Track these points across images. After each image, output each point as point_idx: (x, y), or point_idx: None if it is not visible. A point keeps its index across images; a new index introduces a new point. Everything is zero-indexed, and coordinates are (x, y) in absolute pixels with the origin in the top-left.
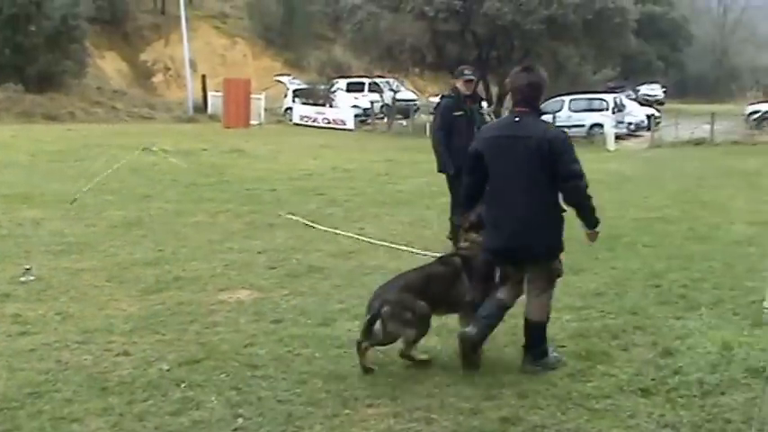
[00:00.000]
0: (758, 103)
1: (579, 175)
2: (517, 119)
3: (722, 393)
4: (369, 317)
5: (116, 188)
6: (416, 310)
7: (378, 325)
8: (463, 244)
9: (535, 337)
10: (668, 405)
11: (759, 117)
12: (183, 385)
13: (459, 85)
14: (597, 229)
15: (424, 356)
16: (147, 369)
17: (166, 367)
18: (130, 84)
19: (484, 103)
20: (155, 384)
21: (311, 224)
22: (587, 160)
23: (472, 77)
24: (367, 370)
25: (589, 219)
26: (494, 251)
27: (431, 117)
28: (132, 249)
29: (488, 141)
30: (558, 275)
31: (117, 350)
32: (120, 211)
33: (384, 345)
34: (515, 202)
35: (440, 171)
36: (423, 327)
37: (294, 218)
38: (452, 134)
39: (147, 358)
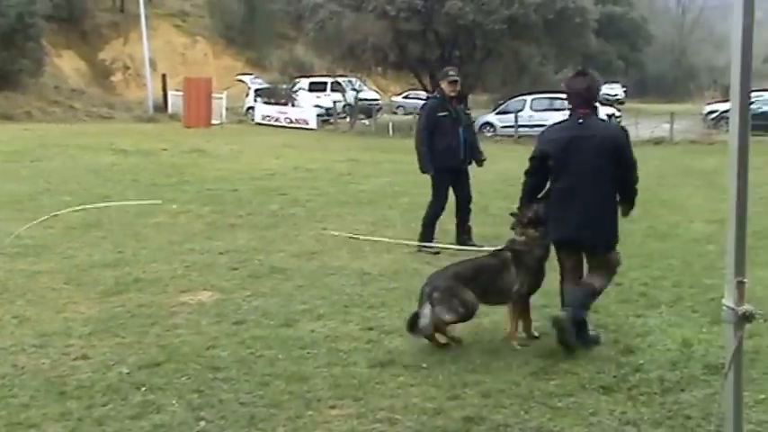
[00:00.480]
0: (716, 102)
1: (636, 164)
2: (581, 120)
3: (682, 390)
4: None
5: (74, 189)
6: (463, 298)
7: (427, 309)
8: (519, 238)
9: (582, 296)
10: (629, 402)
11: (717, 116)
12: (143, 389)
13: (444, 85)
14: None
15: (454, 334)
16: (107, 373)
17: (126, 370)
18: (89, 83)
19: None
20: (114, 388)
21: (356, 237)
22: None
23: (456, 78)
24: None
25: (632, 199)
26: (559, 242)
27: (393, 117)
28: (91, 251)
29: (556, 143)
30: (618, 263)
31: (75, 354)
32: (79, 212)
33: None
34: (582, 196)
35: (423, 172)
36: (467, 314)
37: (336, 233)
38: (435, 134)
39: (107, 362)
